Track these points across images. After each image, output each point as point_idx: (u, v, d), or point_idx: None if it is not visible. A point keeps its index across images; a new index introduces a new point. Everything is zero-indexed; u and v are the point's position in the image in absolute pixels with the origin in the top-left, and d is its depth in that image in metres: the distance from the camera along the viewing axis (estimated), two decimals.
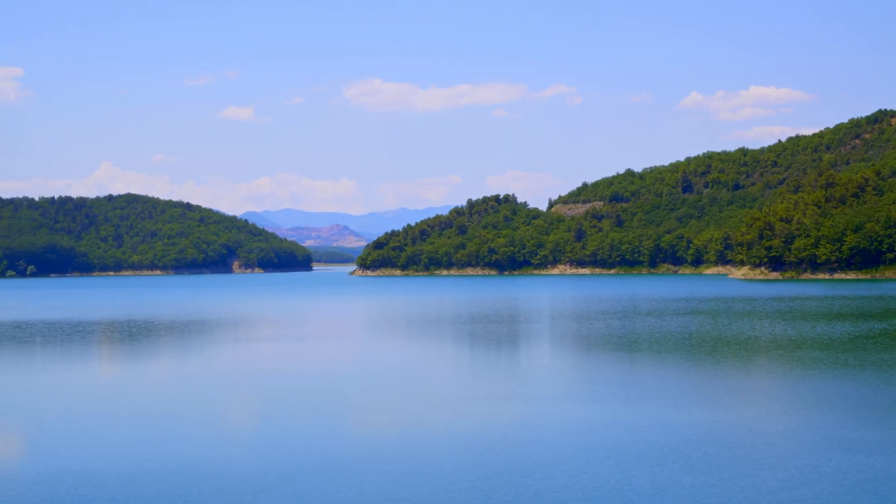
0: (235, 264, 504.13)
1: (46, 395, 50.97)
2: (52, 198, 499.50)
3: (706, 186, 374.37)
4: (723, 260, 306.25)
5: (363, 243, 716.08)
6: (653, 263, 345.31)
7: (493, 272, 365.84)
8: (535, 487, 29.18)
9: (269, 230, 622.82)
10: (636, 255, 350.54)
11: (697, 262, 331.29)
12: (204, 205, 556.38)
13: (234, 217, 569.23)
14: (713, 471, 30.90)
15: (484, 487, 29.28)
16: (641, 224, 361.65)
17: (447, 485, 29.67)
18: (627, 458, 32.71)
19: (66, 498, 28.45)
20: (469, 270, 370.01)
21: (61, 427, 40.88)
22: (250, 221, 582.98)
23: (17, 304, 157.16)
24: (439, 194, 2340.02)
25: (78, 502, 27.99)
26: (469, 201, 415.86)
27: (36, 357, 71.78)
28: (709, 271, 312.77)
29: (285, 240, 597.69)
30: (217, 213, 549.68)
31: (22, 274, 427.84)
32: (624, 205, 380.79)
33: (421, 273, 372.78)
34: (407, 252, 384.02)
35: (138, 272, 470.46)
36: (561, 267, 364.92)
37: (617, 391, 47.97)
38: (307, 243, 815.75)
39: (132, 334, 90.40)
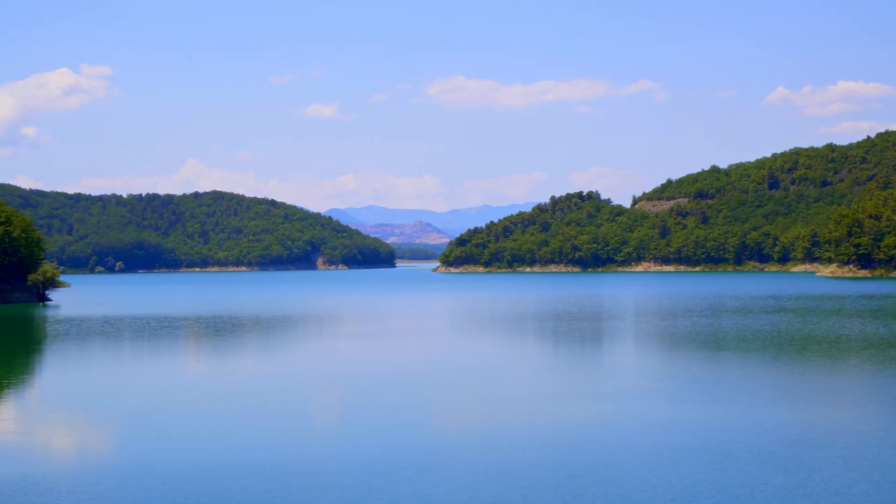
0: (319, 261, 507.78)
1: (135, 390, 51.53)
2: (140, 195, 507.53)
3: (793, 183, 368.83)
4: (810, 257, 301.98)
5: (446, 240, 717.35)
6: (738, 261, 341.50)
7: (576, 269, 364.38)
8: (624, 487, 28.74)
9: (353, 227, 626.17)
10: (721, 252, 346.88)
11: (784, 259, 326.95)
12: (288, 202, 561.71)
13: (318, 214, 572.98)
14: (805, 472, 30.21)
15: (570, 486, 28.88)
16: (727, 221, 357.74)
17: (534, 483, 29.33)
18: (717, 459, 32.11)
19: (153, 493, 28.60)
20: (552, 267, 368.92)
21: (149, 423, 41.22)
22: (334, 218, 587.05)
23: (106, 300, 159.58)
24: (522, 191, 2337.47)
25: (164, 498, 28.14)
26: (552, 198, 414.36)
27: (125, 352, 72.71)
28: (795, 269, 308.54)
29: (368, 237, 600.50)
30: (301, 210, 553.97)
31: (111, 270, 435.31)
32: (709, 201, 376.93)
33: (504, 270, 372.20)
34: (490, 249, 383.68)
35: (224, 268, 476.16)
36: (645, 264, 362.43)
37: (704, 390, 47.26)
38: (390, 240, 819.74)
39: (218, 330, 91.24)
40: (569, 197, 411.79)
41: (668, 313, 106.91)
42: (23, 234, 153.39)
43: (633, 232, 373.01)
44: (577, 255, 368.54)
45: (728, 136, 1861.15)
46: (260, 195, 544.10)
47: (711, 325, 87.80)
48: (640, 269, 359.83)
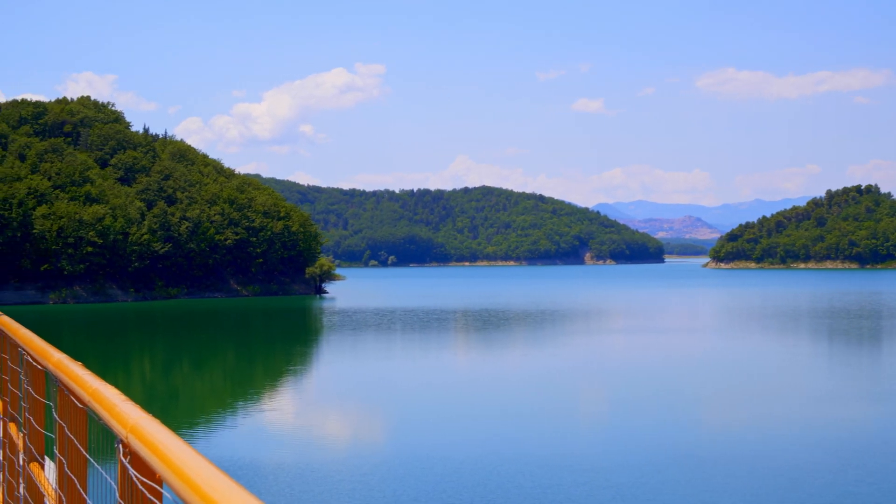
0: (587, 256, 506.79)
1: (405, 382, 52.57)
2: (412, 190, 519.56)
3: None
4: None
5: (716, 235, 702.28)
6: None
7: (853, 266, 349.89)
8: None
9: (621, 222, 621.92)
10: None
11: None
12: (556, 196, 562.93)
13: (586, 209, 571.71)
14: None
15: (858, 492, 27.47)
16: None
17: (821, 488, 28.05)
18: None
19: (423, 485, 28.91)
20: (827, 264, 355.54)
21: (419, 415, 41.90)
22: (602, 213, 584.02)
23: (379, 293, 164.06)
24: (796, 185, 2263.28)
25: (434, 491, 28.41)
26: (828, 192, 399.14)
27: (396, 344, 74.41)
28: None
29: (637, 231, 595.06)
30: (569, 205, 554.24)
31: (383, 264, 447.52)
32: None
33: (776, 266, 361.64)
34: (762, 244, 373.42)
35: (493, 262, 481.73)
36: None
37: None
38: (659, 235, 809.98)
39: (486, 323, 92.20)
40: (846, 191, 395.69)
41: None
42: (301, 229, 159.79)
43: None
44: (854, 252, 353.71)
45: None
46: (528, 190, 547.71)
47: None
48: None
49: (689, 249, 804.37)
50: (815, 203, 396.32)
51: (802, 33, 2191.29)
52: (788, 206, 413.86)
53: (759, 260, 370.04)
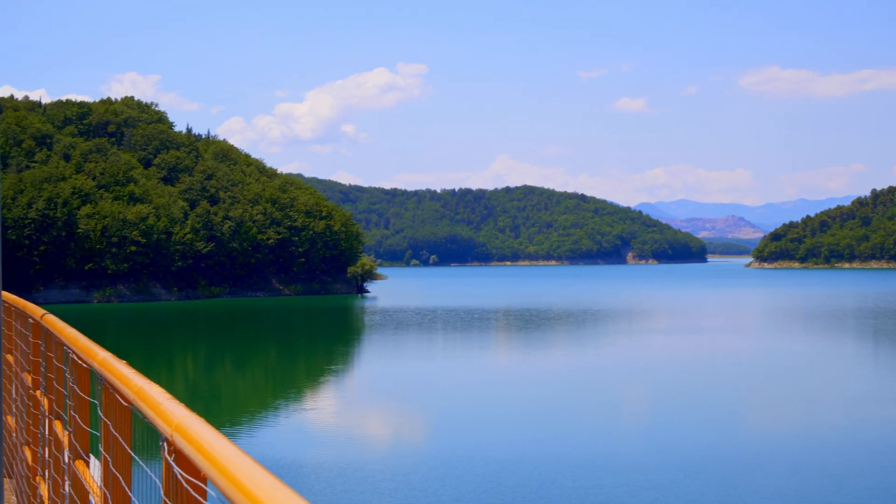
0: (629, 255, 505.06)
1: (446, 381, 52.60)
2: (453, 190, 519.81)
3: None
4: None
5: (759, 235, 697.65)
6: None
7: None
8: None
9: (663, 221, 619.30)
10: None
11: None
12: (598, 196, 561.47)
13: (628, 208, 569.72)
14: None
15: None
16: None
17: (865, 490, 27.79)
18: None
19: (465, 485, 28.91)
20: (873, 263, 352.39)
21: (461, 414, 41.91)
22: (644, 212, 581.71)
23: (420, 292, 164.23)
24: (841, 184, 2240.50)
25: (476, 491, 28.40)
26: (873, 191, 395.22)
27: (437, 343, 74.48)
28: None
29: (679, 231, 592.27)
30: (611, 205, 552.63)
31: (425, 263, 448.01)
32: None
33: (821, 266, 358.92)
34: (806, 244, 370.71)
35: (534, 262, 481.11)
36: None
37: None
38: (701, 235, 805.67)
39: (527, 322, 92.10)
40: (891, 189, 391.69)
41: None
42: (343, 229, 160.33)
43: None
44: None
45: None
46: (569, 189, 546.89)
47: None
48: None
49: (731, 249, 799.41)
50: (859, 202, 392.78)
51: (847, 31, 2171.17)
52: (833, 206, 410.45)
53: (802, 260, 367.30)
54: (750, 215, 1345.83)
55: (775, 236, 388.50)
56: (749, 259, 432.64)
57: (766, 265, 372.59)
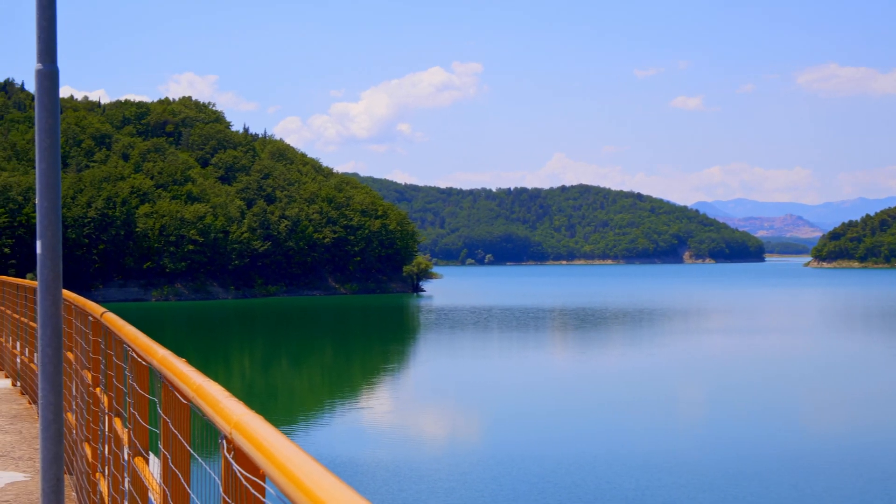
0: (686, 254, 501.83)
1: (502, 380, 52.54)
2: (509, 189, 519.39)
3: None
4: None
5: (818, 234, 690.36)
6: None
7: None
8: None
9: (720, 220, 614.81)
10: None
11: None
12: (654, 195, 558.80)
13: (685, 207, 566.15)
14: None
15: None
16: None
17: None
18: None
19: (520, 484, 28.86)
20: None
21: (516, 413, 41.83)
22: (700, 211, 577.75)
23: (476, 291, 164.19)
24: None
25: (532, 490, 28.33)
26: None
27: (493, 342, 74.41)
28: None
29: (736, 230, 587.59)
30: (667, 204, 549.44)
31: (480, 262, 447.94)
32: None
33: (881, 265, 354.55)
34: (865, 243, 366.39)
35: (590, 261, 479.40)
36: None
37: None
38: (759, 234, 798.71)
39: (583, 322, 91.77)
40: None
41: None
42: (398, 227, 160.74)
43: None
44: None
45: None
46: (626, 188, 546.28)
47: None
48: None
49: (790, 248, 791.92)
50: None
51: None
52: (893, 204, 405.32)
53: (862, 259, 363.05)
54: (809, 214, 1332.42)
55: (834, 235, 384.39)
56: (808, 258, 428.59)
57: (825, 265, 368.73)
